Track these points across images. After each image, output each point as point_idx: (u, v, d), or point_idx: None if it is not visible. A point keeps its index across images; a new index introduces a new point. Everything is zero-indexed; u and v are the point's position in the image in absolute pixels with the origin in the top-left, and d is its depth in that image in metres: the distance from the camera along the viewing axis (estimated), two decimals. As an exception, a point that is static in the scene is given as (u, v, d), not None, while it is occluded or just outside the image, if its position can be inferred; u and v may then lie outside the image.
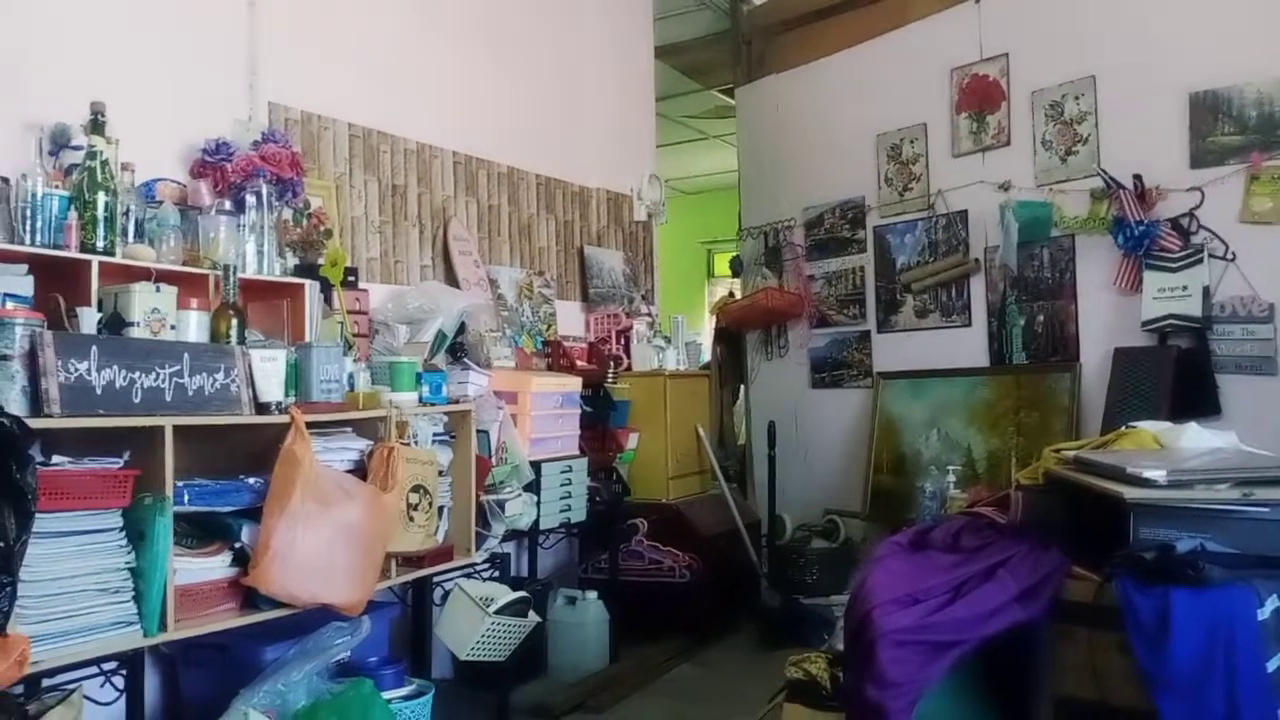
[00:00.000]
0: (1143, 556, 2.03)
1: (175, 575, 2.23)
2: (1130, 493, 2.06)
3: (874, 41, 5.19)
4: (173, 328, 2.41)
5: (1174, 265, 3.99)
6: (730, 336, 5.89)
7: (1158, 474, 2.07)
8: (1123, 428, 2.74)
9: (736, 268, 5.96)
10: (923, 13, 5.00)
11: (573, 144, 4.82)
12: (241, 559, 2.40)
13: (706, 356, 5.83)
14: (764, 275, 5.65)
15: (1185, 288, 3.95)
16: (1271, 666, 1.92)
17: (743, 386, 5.92)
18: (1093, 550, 2.20)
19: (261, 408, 2.47)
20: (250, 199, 2.80)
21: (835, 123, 5.35)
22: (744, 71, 5.99)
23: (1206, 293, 3.90)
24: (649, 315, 5.11)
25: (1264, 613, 1.94)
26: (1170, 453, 2.44)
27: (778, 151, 5.70)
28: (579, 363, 4.27)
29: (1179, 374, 3.88)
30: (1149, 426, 2.66)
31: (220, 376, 2.39)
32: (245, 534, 2.41)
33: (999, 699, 2.29)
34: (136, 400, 2.19)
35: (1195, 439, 2.49)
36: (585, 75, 4.92)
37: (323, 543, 2.43)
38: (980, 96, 4.74)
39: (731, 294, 6.15)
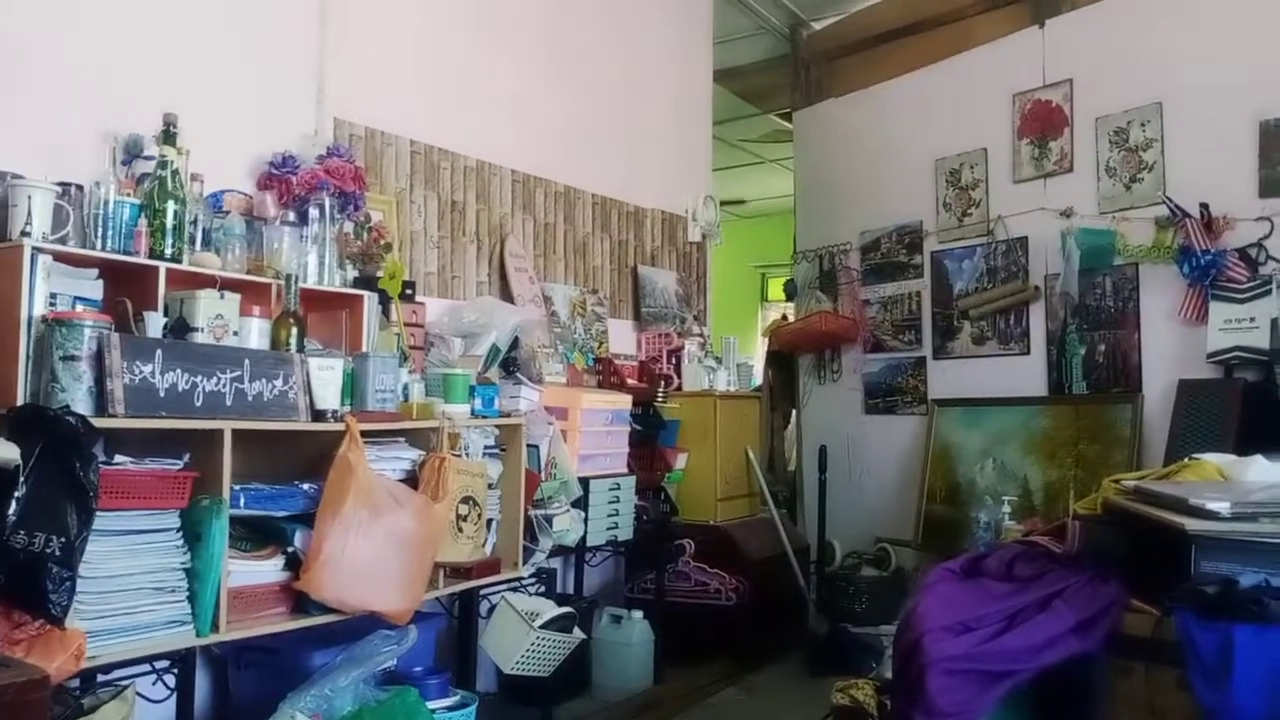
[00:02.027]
0: (1204, 590, 1.97)
1: (229, 577, 2.27)
2: (1192, 524, 2.00)
3: (935, 66, 5.17)
4: (235, 334, 2.46)
5: (1241, 296, 3.89)
6: (782, 360, 5.87)
7: (1221, 506, 2.01)
8: (1186, 459, 2.67)
9: (791, 290, 5.94)
10: (986, 38, 4.97)
11: (630, 164, 4.85)
12: (293, 563, 2.43)
13: (758, 379, 5.81)
14: (818, 299, 5.63)
15: (1253, 319, 3.85)
16: (1339, 709, 1.85)
17: (794, 410, 5.88)
18: (1152, 583, 2.14)
19: (318, 415, 2.51)
20: (313, 211, 2.86)
21: (893, 147, 5.33)
22: (802, 96, 6.00)
23: (1275, 325, 3.80)
24: (701, 336, 5.10)
25: (1331, 652, 1.87)
26: (1235, 485, 2.37)
27: (835, 175, 5.68)
28: (629, 381, 4.27)
29: (1245, 407, 3.78)
30: (1213, 459, 2.59)
31: (279, 383, 2.43)
32: (298, 539, 2.44)
33: (1052, 733, 2.23)
34: (198, 403, 2.24)
35: (1262, 472, 2.41)
36: (644, 97, 4.96)
37: (373, 550, 2.45)
38: (1043, 122, 4.69)
39: (785, 317, 6.13)
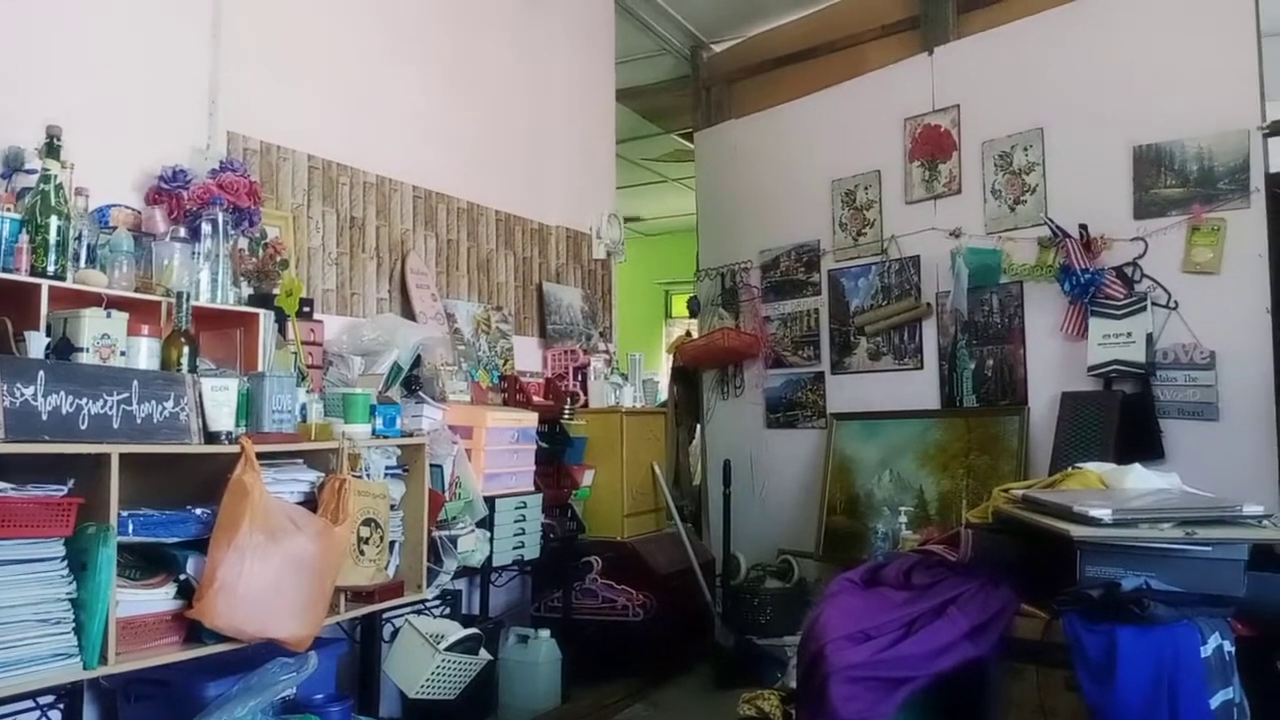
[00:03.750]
0: (1090, 594, 2.07)
1: (117, 607, 2.17)
2: (1077, 531, 2.10)
3: (830, 90, 5.32)
4: (123, 354, 2.37)
5: (1118, 313, 4.10)
6: (687, 375, 5.93)
7: (1104, 513, 2.12)
8: (1069, 469, 2.79)
9: (694, 307, 6.01)
10: (878, 63, 5.14)
11: (534, 181, 4.85)
12: (186, 591, 2.34)
13: (663, 395, 5.85)
14: (721, 316, 5.71)
15: (1129, 334, 4.05)
16: (1214, 703, 1.96)
17: (699, 425, 5.94)
18: (1041, 588, 2.23)
19: (211, 437, 2.43)
20: (206, 227, 2.78)
21: (792, 168, 5.45)
22: (703, 116, 6.10)
23: (1150, 340, 4.01)
24: (607, 352, 5.12)
25: (1206, 650, 1.98)
26: (1116, 493, 2.49)
27: (735, 195, 5.78)
28: (535, 398, 4.26)
29: (1124, 418, 3.98)
30: (1095, 467, 2.72)
31: (170, 405, 2.35)
32: (191, 566, 2.35)
33: (949, 736, 2.30)
34: (83, 426, 2.14)
35: (1140, 480, 2.54)
36: (547, 114, 4.97)
37: (270, 576, 2.38)
38: (932, 145, 4.86)
39: (689, 333, 6.19)
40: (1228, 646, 2.01)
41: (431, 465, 3.18)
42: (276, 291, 3.02)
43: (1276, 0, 3.91)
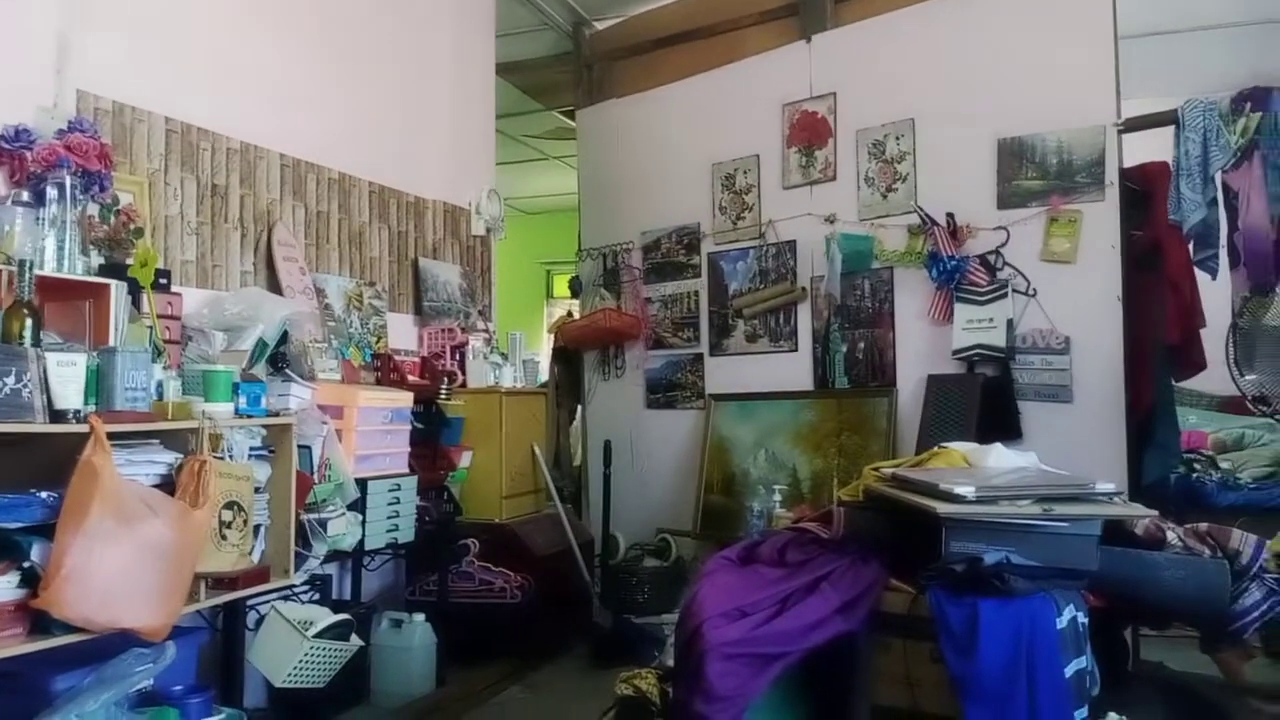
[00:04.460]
0: (954, 568, 2.14)
1: (-50, 598, 2.02)
2: (943, 508, 2.17)
3: (712, 73, 5.34)
4: (-43, 326, 2.20)
5: (982, 299, 4.26)
6: (568, 356, 5.89)
7: (967, 490, 2.19)
8: (935, 448, 2.89)
9: (575, 288, 5.97)
10: (758, 48, 5.19)
11: (410, 154, 4.72)
12: (31, 579, 2.19)
13: (544, 375, 5.81)
14: (602, 296, 5.69)
15: (991, 320, 4.22)
16: (1068, 672, 2.06)
17: (580, 406, 5.92)
18: (909, 563, 2.30)
19: (57, 416, 2.28)
20: (51, 191, 2.60)
21: (673, 150, 5.46)
22: (585, 94, 6.04)
23: (1010, 325, 4.18)
24: (486, 331, 5.04)
25: (1062, 621, 2.07)
26: (979, 471, 2.59)
27: (617, 175, 5.76)
28: (411, 377, 4.16)
29: (985, 400, 4.14)
30: (959, 447, 2.81)
31: (10, 381, 2.19)
32: (36, 552, 2.20)
33: (820, 708, 2.36)
34: (-91, 404, 1.97)
35: (1001, 459, 2.65)
36: (425, 85, 4.83)
37: (123, 563, 2.25)
38: (810, 132, 4.94)
39: (570, 314, 6.16)
40: (1081, 618, 2.11)
41: (300, 446, 3.06)
42: (130, 262, 2.86)
43: (1133, 4, 4.12)
